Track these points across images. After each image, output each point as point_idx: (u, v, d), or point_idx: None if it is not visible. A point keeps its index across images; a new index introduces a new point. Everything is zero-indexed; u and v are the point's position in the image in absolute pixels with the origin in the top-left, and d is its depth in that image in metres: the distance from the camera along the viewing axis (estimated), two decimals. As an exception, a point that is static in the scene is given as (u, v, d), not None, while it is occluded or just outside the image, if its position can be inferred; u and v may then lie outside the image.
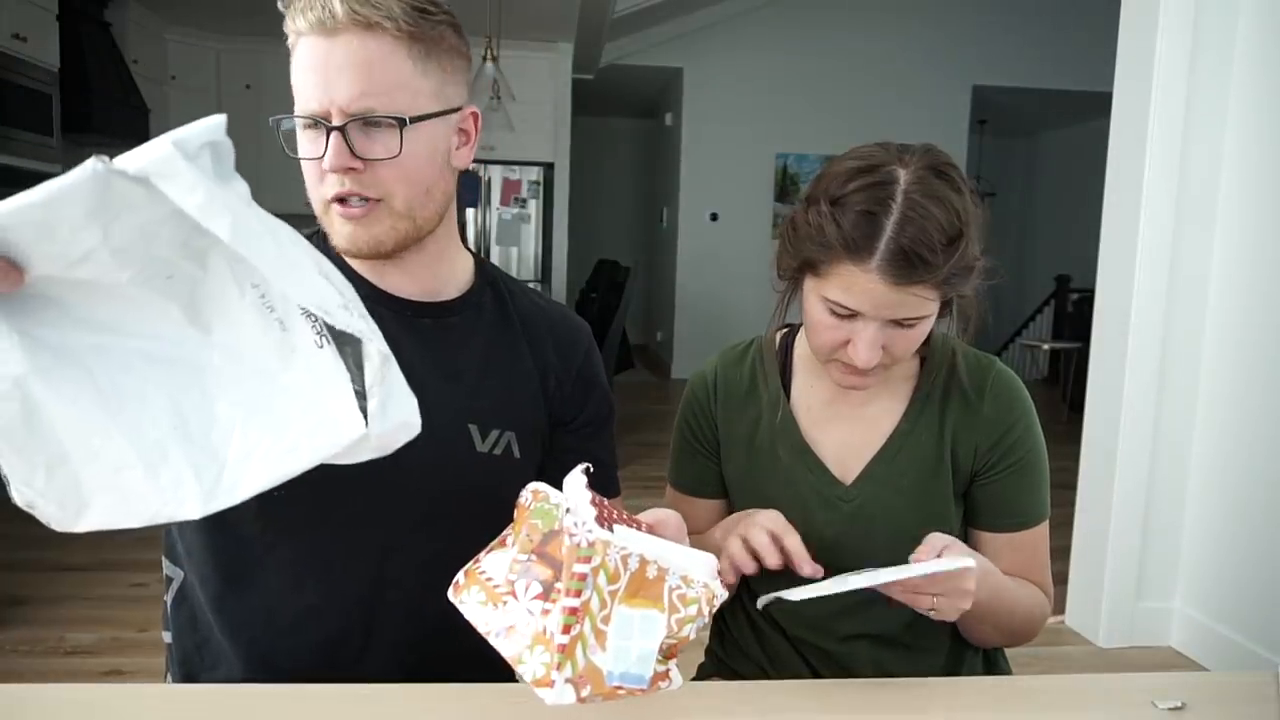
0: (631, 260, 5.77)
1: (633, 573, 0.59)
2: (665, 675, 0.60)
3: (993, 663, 1.12)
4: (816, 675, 1.06)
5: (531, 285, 6.61)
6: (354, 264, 0.95)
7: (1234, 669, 2.37)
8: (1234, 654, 2.42)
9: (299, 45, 0.85)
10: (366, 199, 0.86)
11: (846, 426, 1.05)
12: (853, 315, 0.90)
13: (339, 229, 0.88)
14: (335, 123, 0.83)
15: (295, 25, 0.84)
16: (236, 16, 5.83)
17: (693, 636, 0.61)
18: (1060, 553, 2.84)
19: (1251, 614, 2.41)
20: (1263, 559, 2.38)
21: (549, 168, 6.48)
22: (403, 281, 0.94)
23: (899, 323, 0.90)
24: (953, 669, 1.06)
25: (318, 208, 0.89)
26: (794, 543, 0.89)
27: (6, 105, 4.07)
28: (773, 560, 0.88)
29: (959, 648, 1.06)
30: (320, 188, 0.87)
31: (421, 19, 0.84)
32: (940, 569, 0.80)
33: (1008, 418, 1.02)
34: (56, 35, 4.47)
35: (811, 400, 1.07)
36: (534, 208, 6.48)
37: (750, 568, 0.90)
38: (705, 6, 6.95)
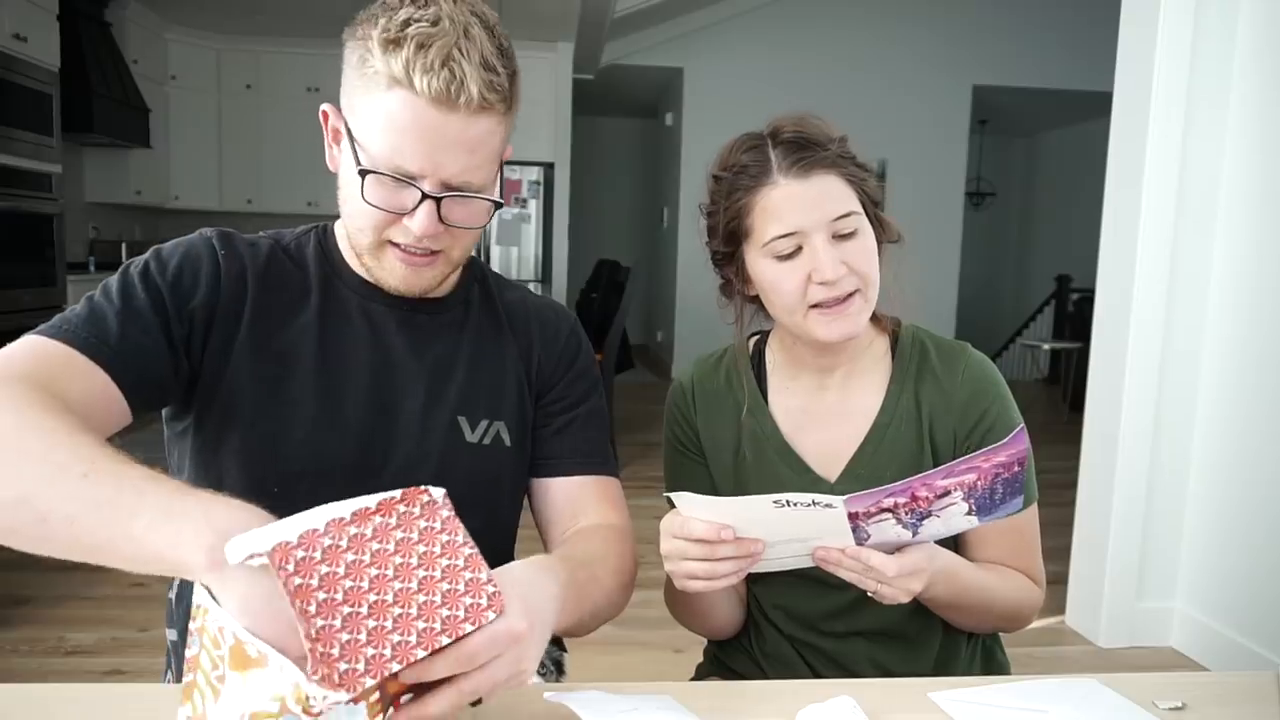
0: (631, 260, 5.77)
1: (231, 646, 0.55)
2: None
3: (991, 659, 1.12)
4: (814, 673, 1.06)
5: (531, 285, 6.64)
6: (352, 262, 0.96)
7: (1234, 669, 2.37)
8: (1234, 654, 2.42)
9: (398, 98, 0.80)
10: (432, 251, 0.87)
11: (826, 426, 1.06)
12: (798, 247, 0.94)
13: (394, 270, 0.89)
14: (433, 191, 0.83)
15: (399, 74, 0.79)
16: (236, 16, 5.83)
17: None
18: (1060, 553, 2.84)
19: (1251, 614, 2.41)
20: (1263, 559, 2.38)
21: (549, 168, 6.49)
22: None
23: (839, 236, 0.94)
24: (948, 661, 1.07)
25: (369, 243, 0.88)
26: (699, 529, 0.81)
27: (6, 105, 4.07)
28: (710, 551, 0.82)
29: (952, 641, 1.07)
30: (385, 231, 0.86)
31: (514, 86, 0.85)
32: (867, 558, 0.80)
33: (983, 401, 1.02)
34: (57, 35, 4.47)
35: (789, 403, 1.07)
36: (534, 208, 6.48)
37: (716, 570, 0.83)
38: (705, 6, 6.95)
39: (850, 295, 0.95)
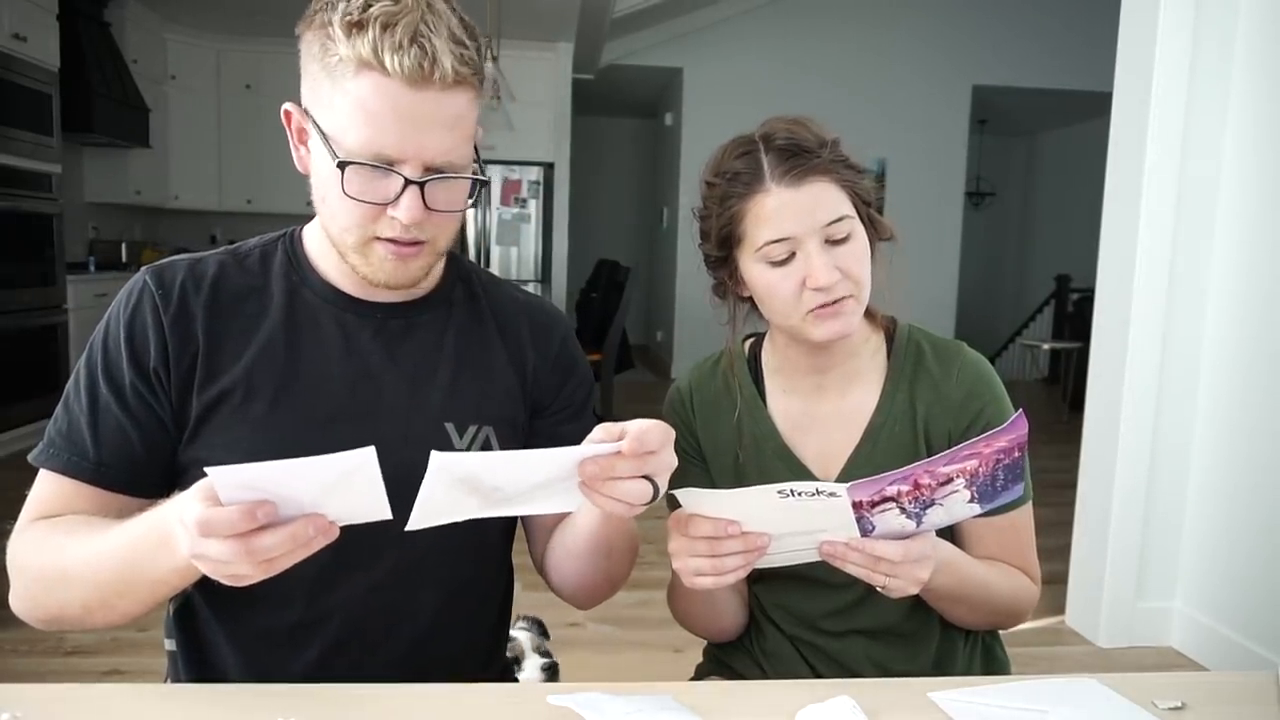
0: (631, 260, 5.77)
1: None
2: None
3: (991, 656, 1.12)
4: (814, 671, 1.07)
5: (531, 285, 6.64)
6: (322, 269, 0.94)
7: (1234, 669, 2.37)
8: (1234, 654, 2.42)
9: (368, 80, 0.78)
10: (418, 240, 0.85)
11: (824, 427, 1.06)
12: (791, 253, 0.94)
13: (382, 265, 0.86)
14: (415, 176, 0.81)
15: (367, 57, 0.77)
16: (236, 16, 5.84)
17: None
18: (1060, 553, 2.84)
19: (1251, 614, 2.41)
20: (1263, 559, 2.38)
21: (549, 168, 6.49)
22: (377, 288, 0.91)
23: (832, 241, 0.94)
24: (946, 658, 1.07)
25: (354, 241, 0.85)
26: (706, 526, 0.81)
27: (6, 105, 4.07)
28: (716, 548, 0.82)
29: (950, 639, 1.07)
30: (371, 225, 0.83)
31: (481, 61, 0.84)
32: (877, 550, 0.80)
33: (977, 402, 1.02)
34: (56, 35, 4.47)
35: (787, 405, 1.07)
36: (534, 208, 6.49)
37: (719, 567, 0.82)
38: (705, 6, 6.95)
39: (844, 299, 0.95)
